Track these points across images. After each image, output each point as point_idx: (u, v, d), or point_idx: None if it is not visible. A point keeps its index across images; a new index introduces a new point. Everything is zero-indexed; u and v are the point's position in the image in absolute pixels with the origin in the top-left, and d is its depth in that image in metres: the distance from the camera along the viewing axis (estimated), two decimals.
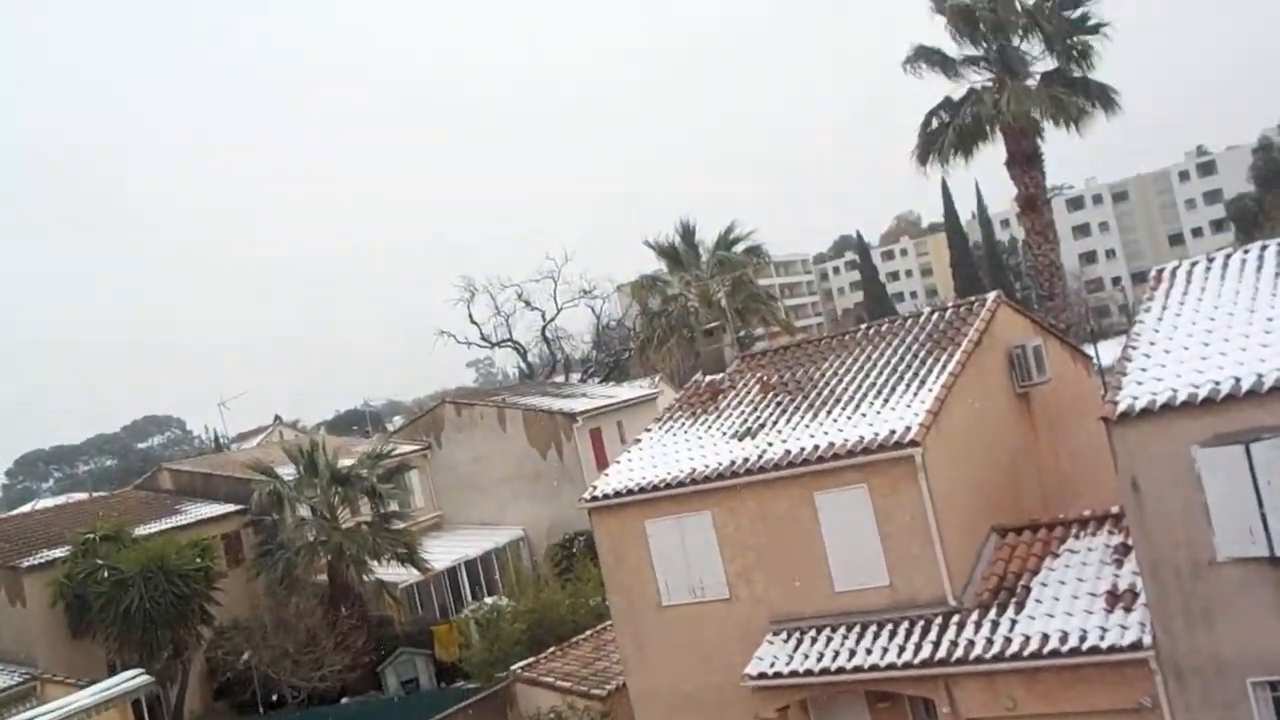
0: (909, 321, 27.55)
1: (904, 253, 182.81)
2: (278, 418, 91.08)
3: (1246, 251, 22.98)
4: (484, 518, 48.44)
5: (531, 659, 29.90)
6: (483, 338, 74.16)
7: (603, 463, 42.78)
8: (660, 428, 27.36)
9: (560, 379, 70.68)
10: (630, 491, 24.59)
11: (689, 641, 24.05)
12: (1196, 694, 18.29)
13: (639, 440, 27.21)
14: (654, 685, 24.62)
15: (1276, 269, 21.34)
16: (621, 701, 25.86)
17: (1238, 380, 18.07)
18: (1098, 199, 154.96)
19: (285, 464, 41.95)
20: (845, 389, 24.97)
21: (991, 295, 27.09)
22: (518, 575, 43.92)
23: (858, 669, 21.18)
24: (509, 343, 75.06)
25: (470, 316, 73.35)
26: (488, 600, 40.76)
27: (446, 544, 46.27)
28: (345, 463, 41.71)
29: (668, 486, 24.03)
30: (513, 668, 29.63)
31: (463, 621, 39.82)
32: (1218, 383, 18.25)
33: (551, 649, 30.38)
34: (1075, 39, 39.99)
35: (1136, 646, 18.66)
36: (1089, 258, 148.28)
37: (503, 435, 48.13)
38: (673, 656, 24.30)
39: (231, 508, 43.51)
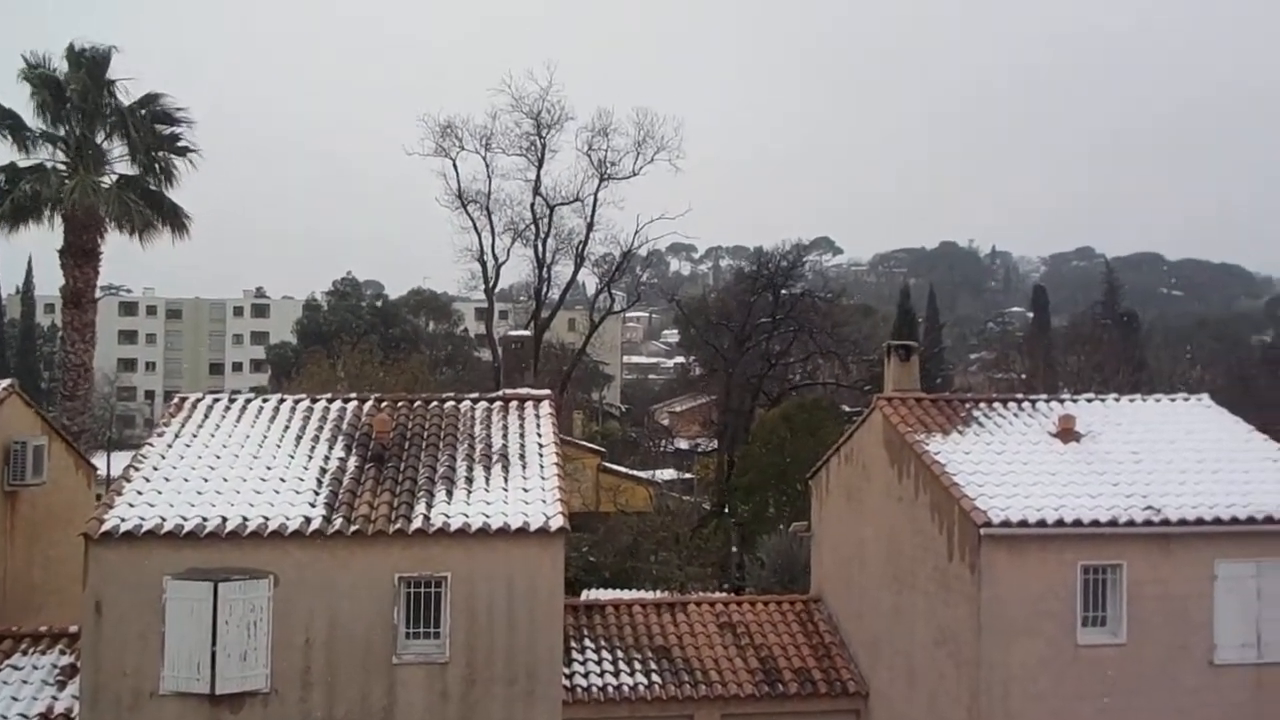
0: None
1: None
2: None
3: (265, 400, 24.05)
4: None
5: None
6: None
7: None
8: None
9: None
10: None
11: None
12: None
13: None
14: None
15: (287, 422, 22.55)
16: None
17: (224, 520, 18.54)
18: (152, 310, 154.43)
19: None
20: None
21: (4, 383, 25.07)
22: None
23: None
24: None
25: None
26: None
27: None
28: None
29: None
30: None
31: None
32: (204, 519, 18.56)
33: None
34: (161, 154, 39.81)
35: None
36: (129, 365, 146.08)
37: None
38: None
39: None
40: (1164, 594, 19.76)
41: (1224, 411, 24.91)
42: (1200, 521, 19.86)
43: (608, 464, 58.70)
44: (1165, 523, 19.77)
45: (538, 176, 54.17)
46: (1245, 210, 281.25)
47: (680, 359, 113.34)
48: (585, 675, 22.86)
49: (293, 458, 21.02)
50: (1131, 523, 19.73)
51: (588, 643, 23.83)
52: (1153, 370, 63.44)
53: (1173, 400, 25.58)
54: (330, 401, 23.72)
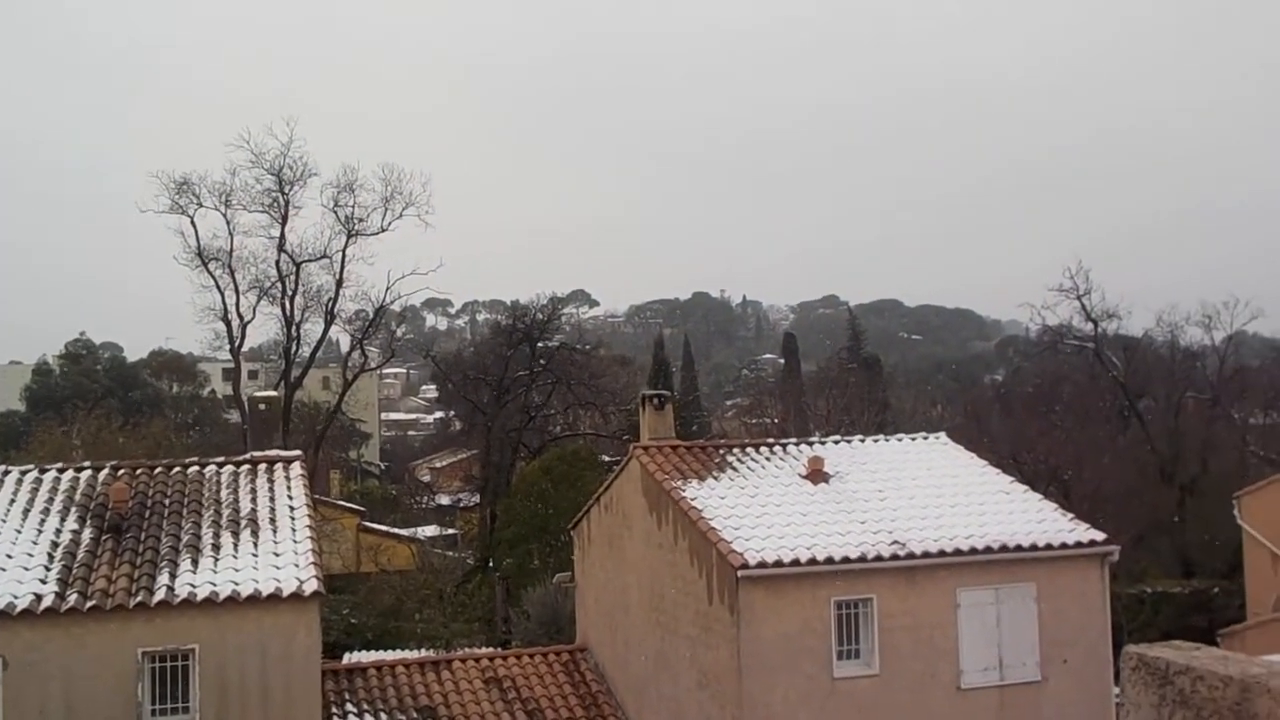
0: None
1: None
2: None
3: None
4: None
5: None
6: None
7: None
8: None
9: None
10: None
11: None
12: None
13: None
14: None
15: (13, 495, 21.13)
16: None
17: None
18: None
19: None
20: None
21: None
22: None
23: None
24: None
25: None
26: None
27: None
28: None
29: None
30: None
31: None
32: None
33: None
34: None
35: None
36: None
37: None
38: None
39: None
40: (912, 624, 20.60)
41: (961, 448, 26.30)
42: (942, 554, 20.82)
43: (368, 523, 57.33)
44: (911, 556, 20.65)
45: (282, 233, 52.57)
46: (974, 259, 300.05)
47: (440, 414, 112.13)
48: None
49: (20, 532, 19.65)
50: (880, 558, 20.51)
51: (350, 707, 23.06)
52: (896, 410, 66.50)
53: (914, 439, 26.85)
54: (61, 471, 22.33)
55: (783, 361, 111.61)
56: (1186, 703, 2.91)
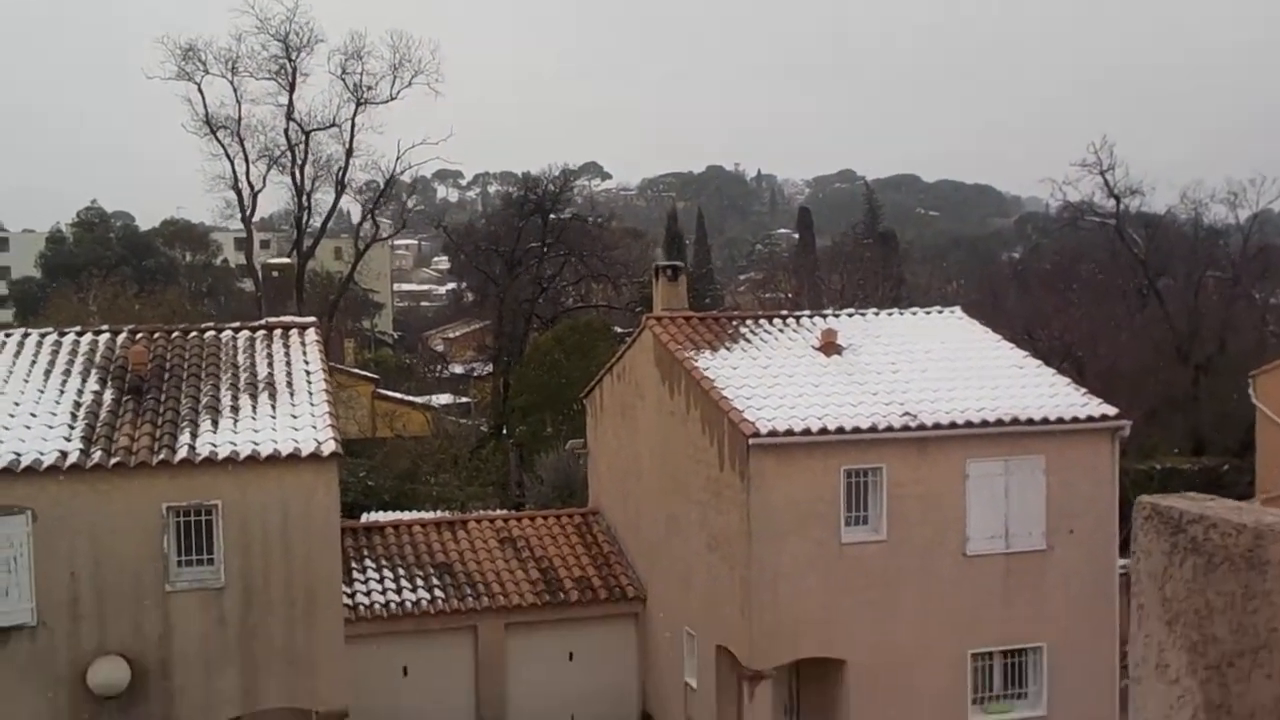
0: None
1: None
2: None
3: (9, 334, 22.66)
4: None
5: None
6: None
7: None
8: None
9: None
10: None
11: None
12: None
13: None
14: None
15: (33, 357, 21.31)
16: None
17: None
18: None
19: None
20: None
21: None
22: None
23: None
24: None
25: None
26: None
27: None
28: None
29: None
30: None
31: None
32: None
33: None
34: None
35: None
36: None
37: None
38: None
39: None
40: (921, 493, 20.90)
41: (975, 323, 26.31)
42: (953, 425, 21.02)
43: (383, 390, 57.82)
44: (921, 427, 20.84)
45: (290, 101, 51.83)
46: (996, 133, 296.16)
47: (452, 285, 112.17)
48: (367, 594, 22.85)
49: (43, 392, 19.90)
50: (890, 428, 20.72)
51: (369, 562, 23.69)
52: (911, 286, 66.22)
53: (928, 313, 26.85)
54: (80, 335, 22.50)
55: (797, 236, 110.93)
56: (1199, 549, 2.95)
